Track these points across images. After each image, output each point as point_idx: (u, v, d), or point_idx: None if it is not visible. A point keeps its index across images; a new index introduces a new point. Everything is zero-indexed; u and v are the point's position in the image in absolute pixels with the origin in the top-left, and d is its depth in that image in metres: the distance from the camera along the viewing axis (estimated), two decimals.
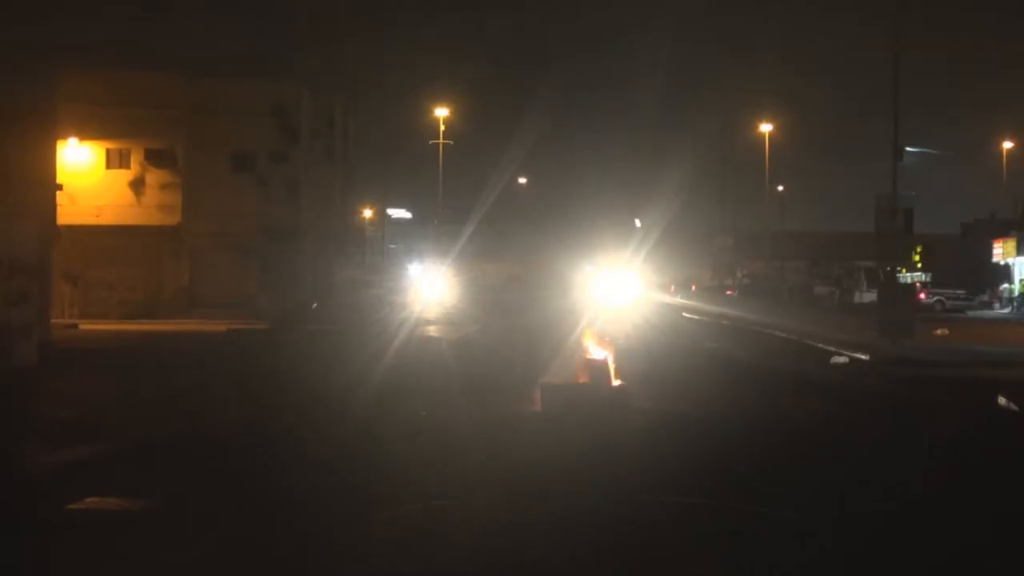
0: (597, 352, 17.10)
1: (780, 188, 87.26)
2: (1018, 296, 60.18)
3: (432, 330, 36.02)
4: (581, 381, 16.18)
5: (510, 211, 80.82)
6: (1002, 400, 17.77)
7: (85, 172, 41.58)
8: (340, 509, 9.58)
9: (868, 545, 8.60)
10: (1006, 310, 58.76)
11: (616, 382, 16.54)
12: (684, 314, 48.33)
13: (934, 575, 8.08)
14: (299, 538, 8.64)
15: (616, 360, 17.15)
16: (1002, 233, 67.08)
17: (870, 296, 62.62)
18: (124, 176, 42.51)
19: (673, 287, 79.71)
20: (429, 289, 51.39)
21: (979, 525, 9.42)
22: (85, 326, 36.09)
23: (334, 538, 8.59)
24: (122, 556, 8.23)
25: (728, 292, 76.02)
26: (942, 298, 62.29)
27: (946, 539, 8.91)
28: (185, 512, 9.61)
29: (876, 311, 34.43)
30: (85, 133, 41.53)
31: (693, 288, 78.06)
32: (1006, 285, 62.87)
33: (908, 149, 33.54)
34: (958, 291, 63.77)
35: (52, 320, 24.49)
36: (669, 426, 14.83)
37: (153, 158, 42.46)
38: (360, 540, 8.62)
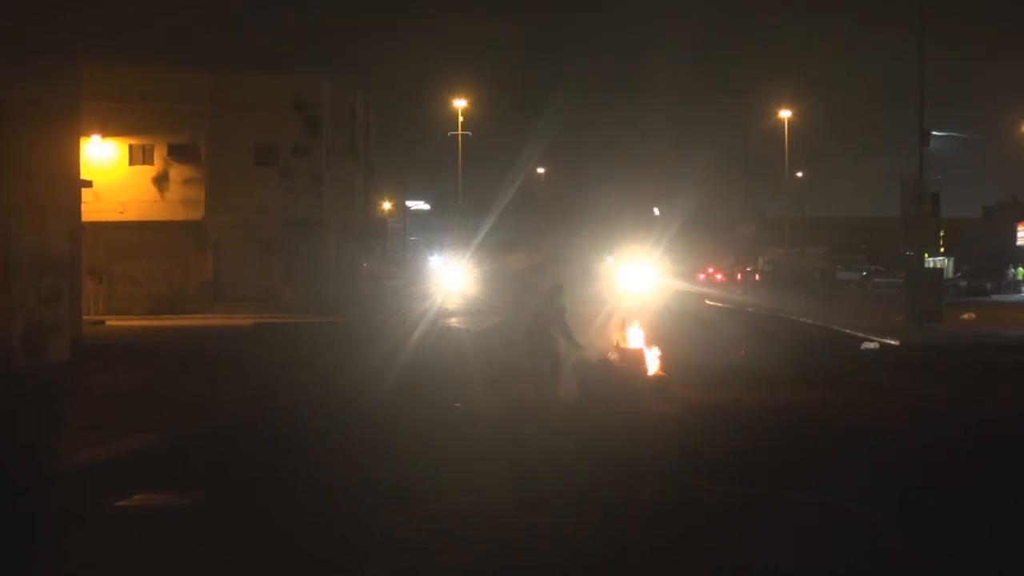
0: (630, 342, 17.12)
1: (799, 174, 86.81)
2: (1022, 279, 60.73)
3: (455, 321, 36.00)
4: (617, 371, 16.19)
5: (530, 202, 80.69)
6: None
7: (108, 168, 41.60)
8: (392, 504, 9.59)
9: (913, 532, 8.58)
10: (1009, 293, 58.68)
11: (652, 371, 16.55)
12: (707, 302, 48.29)
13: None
14: (353, 534, 8.66)
15: (648, 349, 17.15)
16: None
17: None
18: (147, 172, 42.55)
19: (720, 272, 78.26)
20: (450, 280, 51.30)
21: None
22: (111, 322, 36.23)
23: (391, 535, 8.58)
24: (176, 552, 8.27)
25: (720, 278, 75.66)
26: None
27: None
28: (232, 508, 9.64)
29: (904, 297, 34.38)
30: (108, 129, 41.56)
31: (701, 278, 76.75)
32: (1011, 269, 62.87)
33: (935, 133, 33.35)
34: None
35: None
36: (709, 415, 14.78)
37: (176, 153, 42.50)
38: (417, 534, 8.60)
